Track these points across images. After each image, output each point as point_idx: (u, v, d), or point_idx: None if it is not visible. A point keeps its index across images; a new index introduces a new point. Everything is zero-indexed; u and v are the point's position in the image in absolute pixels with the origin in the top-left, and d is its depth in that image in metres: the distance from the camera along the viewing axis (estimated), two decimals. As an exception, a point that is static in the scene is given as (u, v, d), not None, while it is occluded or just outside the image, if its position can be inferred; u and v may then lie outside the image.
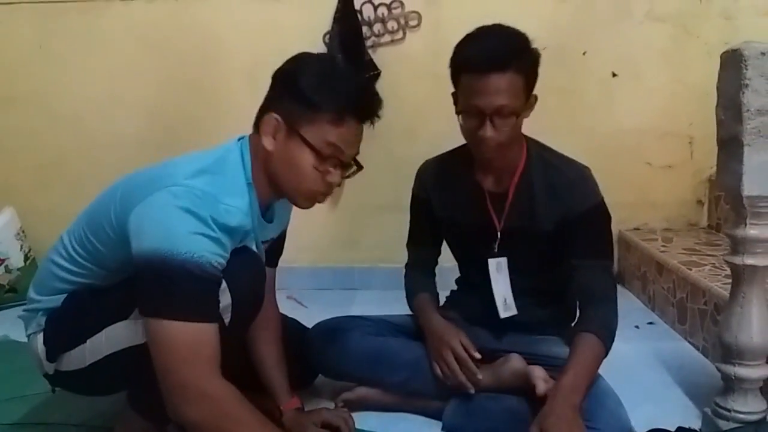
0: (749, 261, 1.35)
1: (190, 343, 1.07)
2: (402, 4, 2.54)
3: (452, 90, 1.42)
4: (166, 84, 2.64)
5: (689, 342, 2.01)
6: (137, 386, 1.26)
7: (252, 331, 1.42)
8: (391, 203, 2.51)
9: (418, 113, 2.53)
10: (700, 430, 1.47)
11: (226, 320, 1.18)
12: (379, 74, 2.52)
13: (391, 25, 2.55)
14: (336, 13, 2.51)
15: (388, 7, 2.54)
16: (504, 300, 1.54)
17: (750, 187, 1.29)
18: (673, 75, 2.56)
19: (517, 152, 1.48)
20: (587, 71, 2.57)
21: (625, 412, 1.39)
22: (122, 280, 1.21)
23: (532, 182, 1.48)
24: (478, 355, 1.46)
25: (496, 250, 1.53)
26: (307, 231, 2.53)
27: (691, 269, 2.05)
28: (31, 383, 1.57)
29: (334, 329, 1.61)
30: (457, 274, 1.73)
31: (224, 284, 1.16)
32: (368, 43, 2.53)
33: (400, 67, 2.55)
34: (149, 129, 2.65)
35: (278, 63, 1.27)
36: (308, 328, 1.65)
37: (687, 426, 1.47)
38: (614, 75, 2.58)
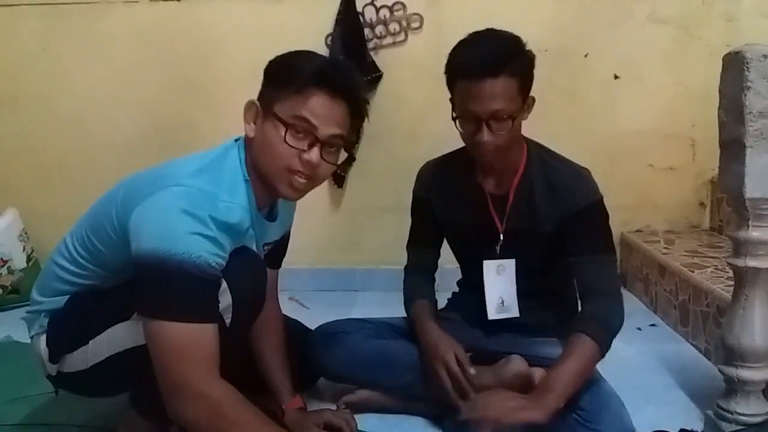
0: (752, 263, 1.35)
1: (188, 343, 1.07)
2: (404, 6, 2.54)
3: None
4: (168, 86, 2.64)
5: (691, 344, 2.00)
6: (139, 387, 1.26)
7: (255, 332, 1.42)
8: (392, 205, 2.51)
9: (419, 115, 2.53)
10: (702, 432, 1.48)
11: (227, 321, 1.18)
12: (381, 76, 2.52)
13: (393, 27, 2.55)
14: (338, 14, 2.51)
15: (390, 9, 2.54)
16: (501, 302, 1.54)
17: (752, 190, 1.29)
18: (675, 77, 2.56)
19: (517, 154, 1.48)
20: (589, 73, 2.57)
21: (627, 414, 1.39)
22: (124, 282, 1.21)
23: (532, 184, 1.48)
24: (473, 371, 1.43)
25: (498, 252, 1.53)
26: (308, 232, 2.54)
27: (693, 271, 2.05)
28: (33, 384, 1.57)
29: (336, 332, 1.61)
30: (459, 276, 1.73)
31: (224, 284, 1.16)
32: (370, 45, 2.54)
33: (401, 69, 2.55)
34: (151, 130, 2.65)
35: (280, 65, 1.28)
36: (310, 330, 1.65)
37: (689, 428, 1.47)
38: (616, 77, 2.58)
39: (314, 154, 1.20)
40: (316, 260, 2.70)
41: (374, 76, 2.51)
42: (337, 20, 2.51)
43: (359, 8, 2.52)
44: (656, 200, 2.67)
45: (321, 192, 2.44)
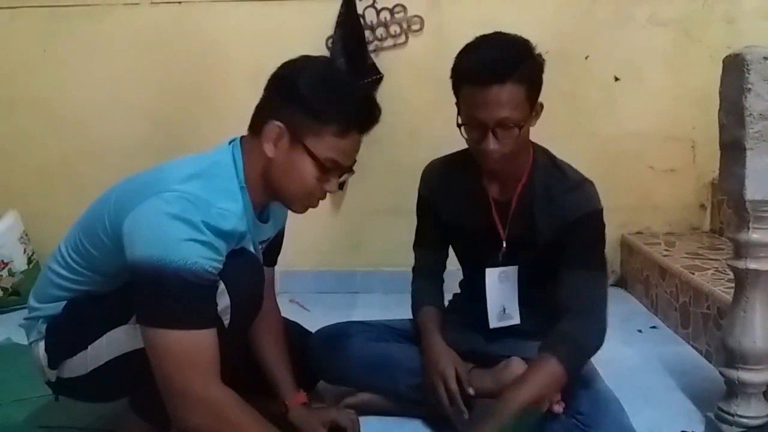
0: (752, 265, 1.35)
1: (188, 350, 1.08)
2: (404, 8, 2.54)
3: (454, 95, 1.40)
4: (169, 88, 2.64)
5: (692, 346, 2.00)
6: (139, 390, 1.26)
7: (254, 331, 1.42)
8: (393, 207, 2.52)
9: (420, 117, 2.53)
10: (703, 434, 1.47)
11: (226, 322, 1.18)
12: (381, 78, 2.53)
13: (394, 29, 2.55)
14: (339, 17, 2.52)
15: (391, 11, 2.54)
16: (502, 309, 1.52)
17: (753, 192, 1.29)
18: (676, 79, 2.56)
19: (523, 160, 1.45)
20: (590, 75, 2.58)
21: (627, 418, 1.38)
22: (121, 286, 1.21)
23: (533, 191, 1.45)
24: (471, 391, 1.41)
25: (500, 260, 1.51)
26: (309, 235, 2.55)
27: (693, 273, 2.05)
28: (33, 387, 1.56)
29: (336, 335, 1.60)
30: (461, 277, 1.71)
31: (222, 286, 1.16)
32: (371, 47, 2.54)
33: (402, 71, 2.55)
34: (152, 133, 2.65)
35: (281, 68, 1.27)
36: (311, 333, 1.65)
37: (690, 431, 1.47)
38: (617, 79, 2.58)
39: (335, 184, 1.26)
40: (317, 262, 2.70)
41: (375, 78, 2.51)
42: (337, 22, 2.52)
43: (360, 10, 2.52)
44: (657, 202, 2.67)
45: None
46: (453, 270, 1.70)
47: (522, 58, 1.31)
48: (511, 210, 1.47)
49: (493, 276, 1.51)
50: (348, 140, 1.22)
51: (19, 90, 2.70)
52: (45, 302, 1.31)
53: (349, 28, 2.50)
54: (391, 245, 2.55)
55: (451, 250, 1.66)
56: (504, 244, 1.49)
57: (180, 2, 2.60)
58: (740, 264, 1.36)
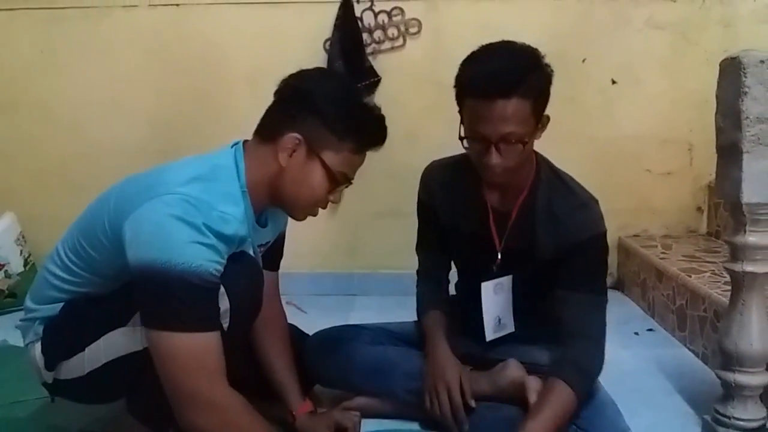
0: (749, 268, 1.35)
1: (195, 353, 1.08)
2: (402, 11, 2.54)
3: (453, 95, 1.36)
4: (167, 90, 2.64)
5: (689, 349, 2.00)
6: (136, 392, 1.26)
7: (260, 339, 1.43)
8: (390, 210, 2.52)
9: (417, 120, 2.53)
10: (699, 437, 1.48)
11: (225, 325, 1.18)
12: (379, 81, 2.52)
13: (392, 32, 2.55)
14: (336, 19, 2.51)
15: (389, 14, 2.54)
16: (498, 321, 1.52)
17: (749, 195, 1.30)
18: (673, 82, 2.57)
19: (526, 172, 1.42)
20: (587, 78, 2.58)
21: (624, 421, 1.38)
22: (120, 287, 1.20)
23: (535, 206, 1.43)
24: (473, 404, 1.40)
25: (494, 272, 1.49)
26: (307, 237, 2.54)
27: (690, 276, 2.05)
28: (30, 388, 1.56)
29: (333, 339, 1.60)
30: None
31: (222, 289, 1.16)
32: (368, 49, 2.53)
33: (400, 73, 2.55)
34: (150, 135, 2.65)
35: (279, 70, 1.27)
36: (307, 336, 1.65)
37: (687, 433, 1.47)
38: (614, 82, 2.59)
39: (340, 195, 1.31)
40: (315, 265, 2.70)
41: (372, 80, 2.51)
42: (335, 25, 2.52)
43: (358, 13, 2.52)
44: (654, 205, 2.67)
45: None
46: (453, 270, 1.70)
47: (529, 70, 1.27)
48: (511, 222, 1.45)
49: (488, 289, 1.50)
50: (361, 157, 1.28)
51: (16, 92, 2.70)
52: (42, 304, 1.31)
53: (347, 31, 2.50)
54: (389, 248, 2.55)
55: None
56: (499, 256, 1.48)
57: (178, 4, 2.60)
58: (737, 267, 1.36)
